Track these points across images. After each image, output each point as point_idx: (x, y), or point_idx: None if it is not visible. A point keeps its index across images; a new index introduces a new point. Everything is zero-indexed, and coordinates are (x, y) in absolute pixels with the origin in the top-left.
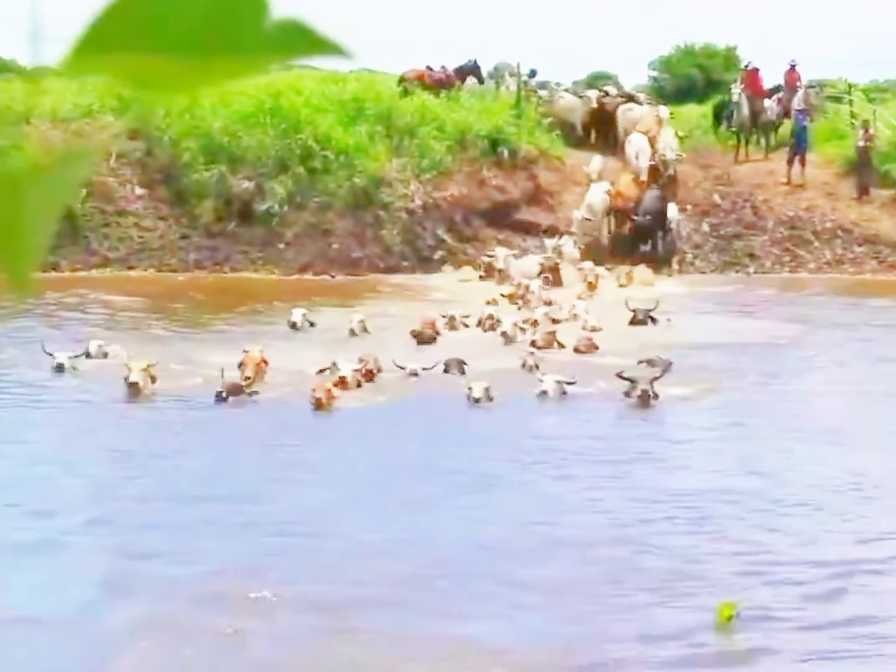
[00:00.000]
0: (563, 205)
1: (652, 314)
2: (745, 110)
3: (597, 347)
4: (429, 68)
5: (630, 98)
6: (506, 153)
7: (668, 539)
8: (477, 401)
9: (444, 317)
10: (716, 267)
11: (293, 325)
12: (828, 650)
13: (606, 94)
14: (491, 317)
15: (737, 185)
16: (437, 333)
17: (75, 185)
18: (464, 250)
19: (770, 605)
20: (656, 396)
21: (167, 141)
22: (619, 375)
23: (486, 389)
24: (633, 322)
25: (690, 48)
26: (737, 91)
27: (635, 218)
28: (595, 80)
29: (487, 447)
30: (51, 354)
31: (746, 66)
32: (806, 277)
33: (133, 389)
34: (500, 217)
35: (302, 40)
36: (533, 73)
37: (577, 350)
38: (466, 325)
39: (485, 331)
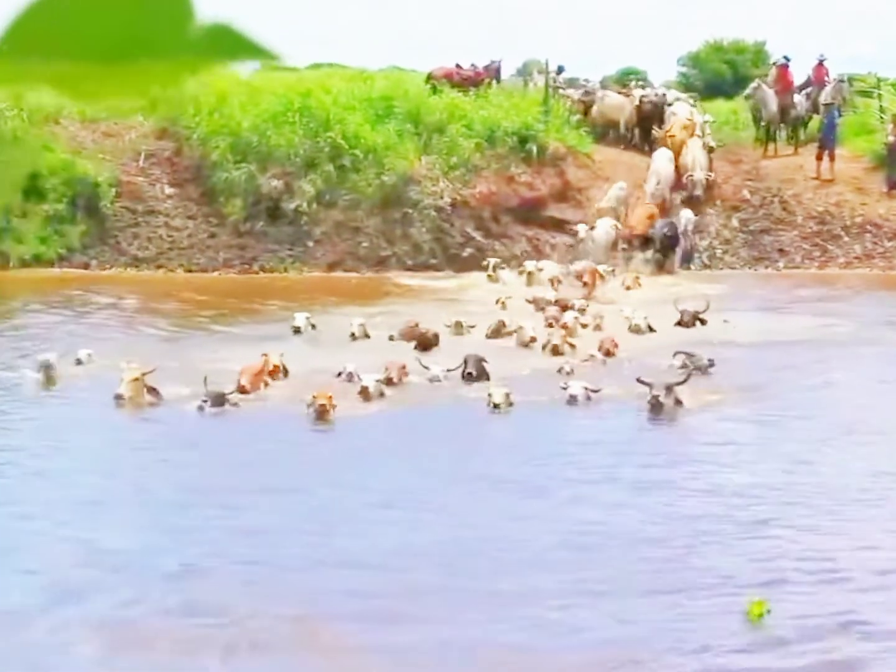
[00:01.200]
0: (592, 201)
1: (701, 316)
2: (773, 106)
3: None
4: (457, 66)
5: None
6: (534, 150)
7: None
8: (497, 407)
9: (448, 326)
10: (745, 262)
11: (296, 330)
12: None
13: (652, 93)
14: (503, 324)
15: (766, 181)
16: (423, 336)
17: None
18: (492, 247)
19: None
20: (679, 402)
21: (196, 140)
22: (639, 380)
23: (507, 395)
24: (680, 324)
25: (719, 44)
26: (753, 86)
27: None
28: (624, 77)
29: (521, 453)
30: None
31: (776, 62)
32: (836, 273)
33: (119, 401)
34: (529, 214)
35: (230, 44)
36: (560, 70)
37: (607, 353)
38: (469, 329)
39: (489, 337)
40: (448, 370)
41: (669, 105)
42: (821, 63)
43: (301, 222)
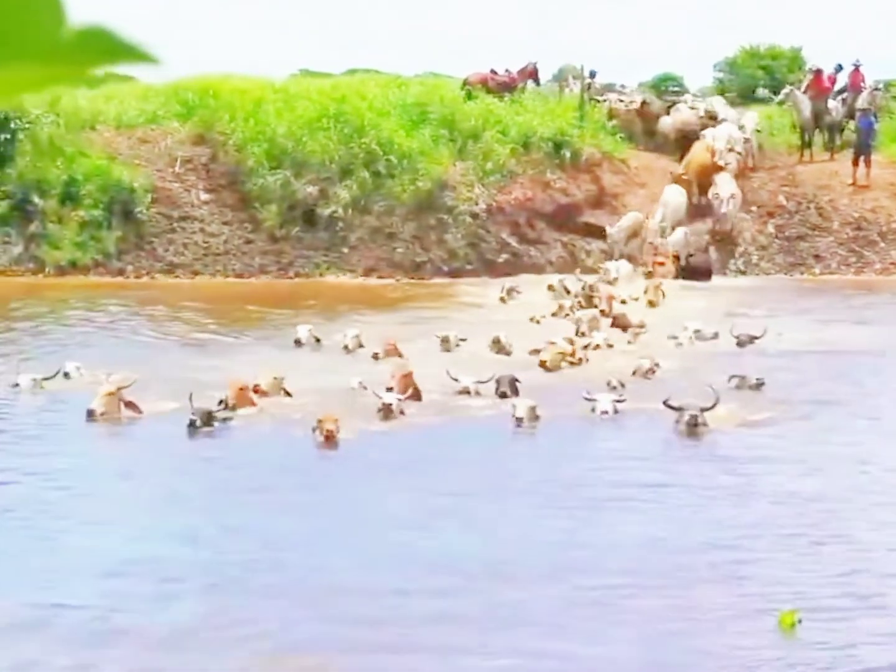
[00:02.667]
0: (628, 207)
1: (757, 339)
2: (807, 111)
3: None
4: (492, 71)
5: (712, 117)
6: (569, 155)
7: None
8: (520, 421)
9: (438, 336)
10: (781, 268)
11: (297, 343)
12: None
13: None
14: (497, 341)
15: (802, 186)
16: (400, 356)
17: None
18: (528, 253)
19: None
20: (705, 424)
21: (232, 146)
22: (666, 404)
23: (532, 409)
24: (739, 346)
25: (756, 49)
26: (786, 91)
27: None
28: (661, 82)
29: (566, 467)
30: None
31: (811, 68)
32: (873, 279)
33: (91, 416)
34: (564, 220)
35: (105, 48)
36: (593, 75)
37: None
38: (459, 343)
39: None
40: (480, 382)
41: (714, 119)
42: (857, 69)
43: (336, 228)
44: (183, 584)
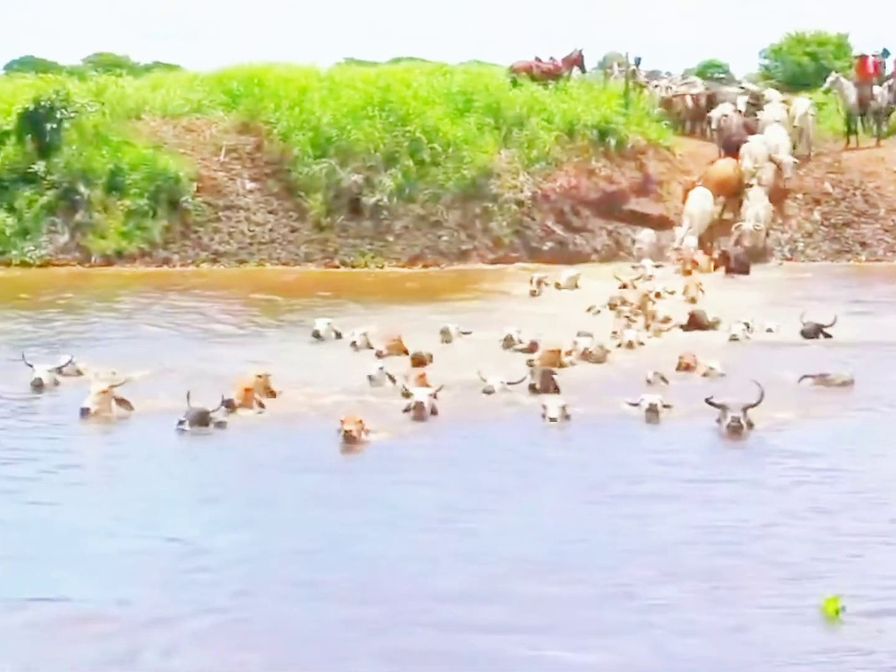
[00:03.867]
0: (672, 195)
1: (825, 329)
2: (853, 97)
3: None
4: (537, 59)
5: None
6: (614, 143)
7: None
8: (553, 420)
9: (442, 332)
10: (827, 255)
11: (316, 335)
12: None
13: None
14: (510, 339)
15: (847, 173)
16: (405, 353)
17: None
18: (573, 241)
19: None
20: (751, 426)
21: (277, 135)
22: (708, 401)
23: (563, 408)
24: (804, 336)
25: (801, 36)
26: (832, 78)
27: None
28: (706, 69)
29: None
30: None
31: (856, 55)
32: None
33: (84, 414)
34: (609, 207)
35: None
36: (638, 62)
37: (686, 367)
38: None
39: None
40: (509, 383)
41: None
42: None
43: (381, 216)
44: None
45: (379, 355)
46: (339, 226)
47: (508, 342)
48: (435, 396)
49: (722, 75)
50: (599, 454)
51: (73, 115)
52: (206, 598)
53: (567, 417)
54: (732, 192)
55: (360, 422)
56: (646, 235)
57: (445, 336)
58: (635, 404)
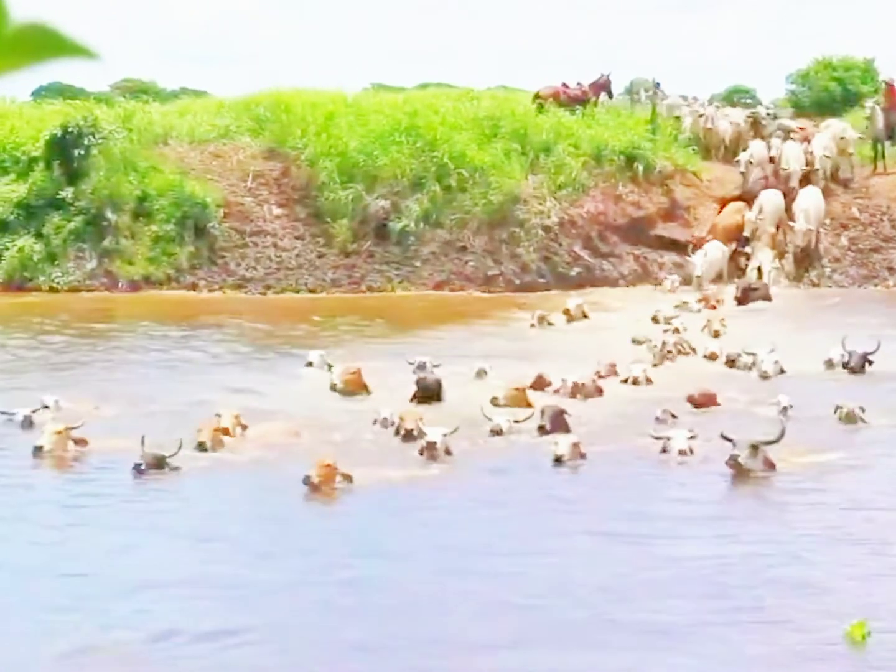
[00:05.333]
0: (700, 220)
1: (870, 357)
2: (880, 123)
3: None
4: (564, 85)
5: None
6: (641, 168)
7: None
8: (559, 459)
9: (410, 363)
10: (854, 280)
11: (309, 365)
12: None
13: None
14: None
15: (875, 198)
16: (364, 388)
17: None
18: (600, 266)
19: None
20: (771, 465)
21: (304, 160)
22: (723, 436)
23: (575, 445)
24: (847, 368)
25: (828, 61)
26: (870, 104)
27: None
28: (733, 94)
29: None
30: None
31: (884, 80)
32: None
33: (38, 453)
34: (637, 233)
35: (47, 43)
36: (657, 85)
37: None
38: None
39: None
40: (515, 421)
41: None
42: None
43: (408, 242)
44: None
45: (334, 388)
46: (365, 251)
47: (481, 376)
48: (450, 434)
49: (749, 100)
50: (617, 491)
51: (100, 141)
52: None
53: (581, 456)
54: (741, 238)
55: (329, 466)
56: (699, 257)
57: (420, 371)
58: (659, 438)
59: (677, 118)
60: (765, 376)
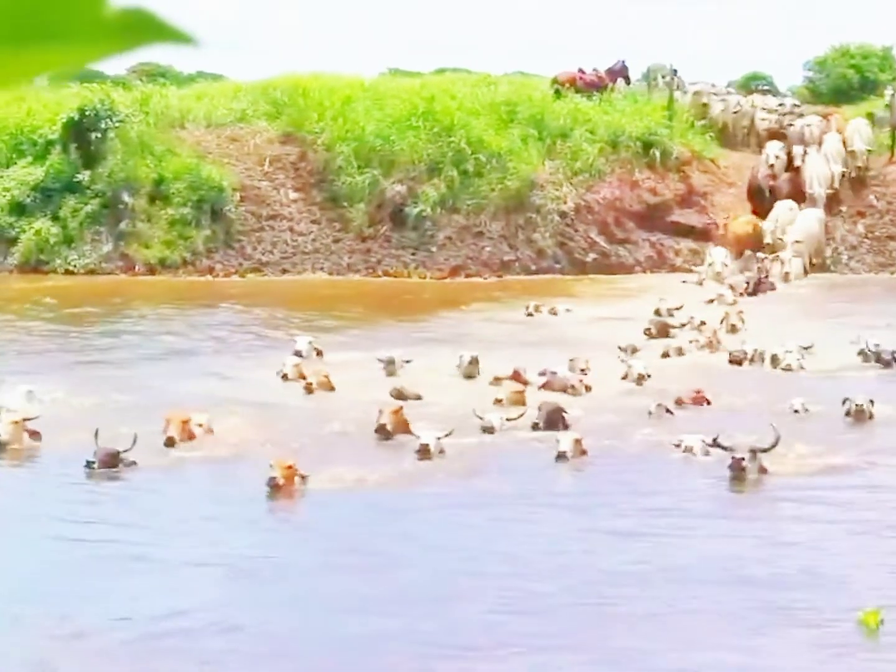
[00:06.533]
0: (717, 207)
1: None
2: None
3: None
4: (581, 71)
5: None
6: (658, 155)
7: None
8: (562, 455)
9: (381, 360)
10: (870, 268)
11: (298, 355)
12: None
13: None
14: (475, 360)
15: (892, 186)
16: (332, 389)
17: None
18: (616, 252)
19: None
20: (763, 470)
21: (320, 145)
22: (715, 442)
23: (577, 442)
24: (885, 364)
25: (846, 48)
26: (890, 92)
27: None
28: (750, 81)
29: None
30: None
31: None
32: None
33: None
34: (653, 219)
35: (146, 28)
36: (674, 72)
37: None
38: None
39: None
40: (507, 419)
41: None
42: None
43: (424, 227)
44: None
45: (308, 389)
46: (382, 236)
47: (469, 368)
48: (444, 437)
49: (766, 87)
50: (621, 487)
51: (117, 124)
52: None
53: (583, 453)
54: (750, 247)
55: (291, 467)
56: (718, 253)
57: (390, 367)
58: (677, 445)
59: (704, 105)
60: (787, 369)
